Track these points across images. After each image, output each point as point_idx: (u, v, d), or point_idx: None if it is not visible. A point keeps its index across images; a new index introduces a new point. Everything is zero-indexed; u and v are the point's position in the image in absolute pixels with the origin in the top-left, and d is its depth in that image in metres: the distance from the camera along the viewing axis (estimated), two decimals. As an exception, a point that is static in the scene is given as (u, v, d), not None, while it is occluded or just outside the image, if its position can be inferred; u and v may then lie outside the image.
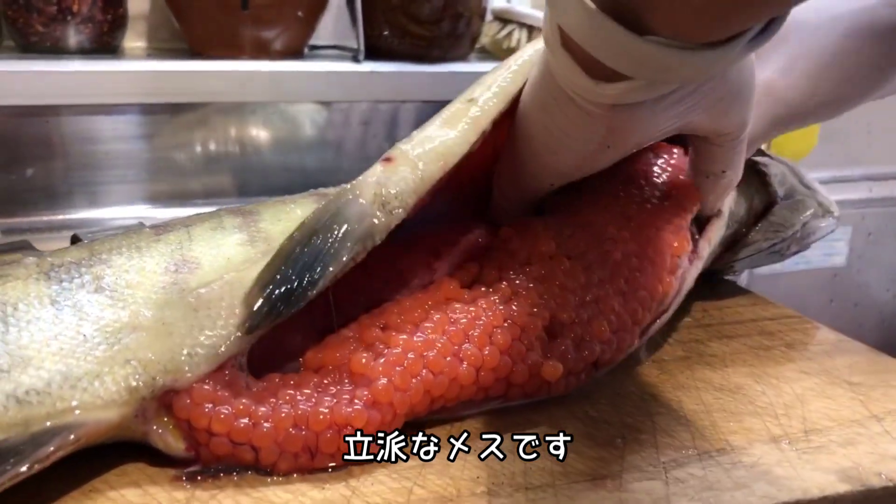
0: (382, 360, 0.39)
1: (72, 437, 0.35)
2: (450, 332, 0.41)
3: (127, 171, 0.78)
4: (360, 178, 0.42)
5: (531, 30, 0.90)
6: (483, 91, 0.46)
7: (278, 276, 0.39)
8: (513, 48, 0.90)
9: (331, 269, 0.40)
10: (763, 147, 0.63)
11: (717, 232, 0.54)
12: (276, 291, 0.39)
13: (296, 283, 0.39)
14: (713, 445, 0.41)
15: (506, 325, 0.42)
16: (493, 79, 0.47)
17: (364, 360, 0.39)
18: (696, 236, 0.52)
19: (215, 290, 0.39)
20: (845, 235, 1.01)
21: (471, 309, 0.42)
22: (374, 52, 0.84)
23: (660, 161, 0.53)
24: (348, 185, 0.42)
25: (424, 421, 0.41)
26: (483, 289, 0.44)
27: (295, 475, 0.37)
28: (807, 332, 0.55)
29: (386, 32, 0.85)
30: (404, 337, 0.40)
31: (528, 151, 0.46)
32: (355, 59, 0.83)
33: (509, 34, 0.90)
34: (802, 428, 0.43)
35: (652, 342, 0.51)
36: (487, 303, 0.43)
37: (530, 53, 0.47)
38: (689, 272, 0.50)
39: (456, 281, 0.45)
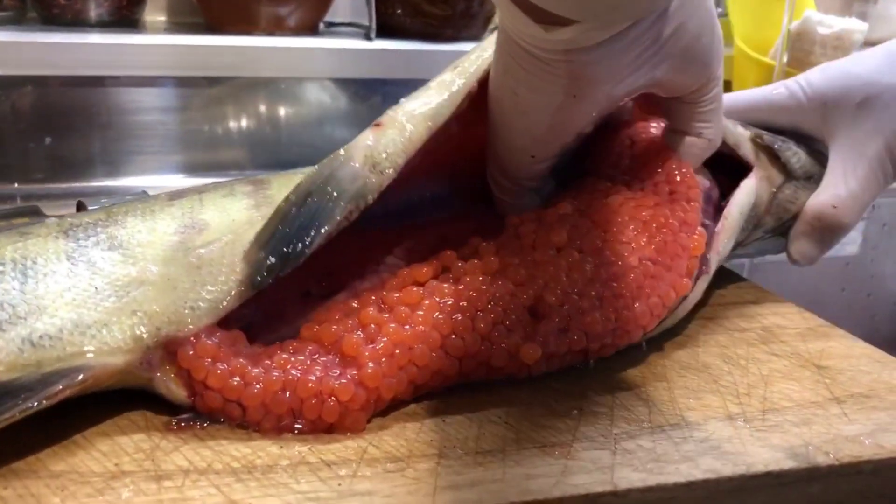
0: (372, 347, 0.41)
1: (79, 377, 0.37)
2: (438, 321, 0.42)
3: (142, 143, 0.81)
4: (352, 142, 0.45)
5: (545, 11, 0.91)
6: (467, 59, 0.49)
7: (276, 235, 0.41)
8: (526, 29, 0.91)
9: (325, 227, 0.42)
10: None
11: (725, 240, 0.53)
12: (275, 248, 0.41)
13: (293, 241, 0.41)
14: (668, 420, 0.42)
15: (489, 306, 0.43)
16: (478, 50, 0.49)
17: (356, 343, 0.41)
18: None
19: (215, 249, 0.42)
20: (859, 225, 1.00)
21: (459, 288, 0.43)
22: (388, 30, 0.86)
23: (651, 141, 0.52)
24: (340, 150, 0.44)
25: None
26: (475, 261, 0.45)
27: (254, 432, 0.39)
28: (787, 315, 0.56)
29: (399, 11, 0.86)
30: (394, 326, 0.41)
31: (501, 122, 0.46)
32: (367, 37, 0.85)
33: (523, 15, 0.90)
34: (761, 407, 0.44)
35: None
36: (474, 279, 0.44)
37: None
38: (699, 283, 0.50)
39: (454, 252, 0.46)
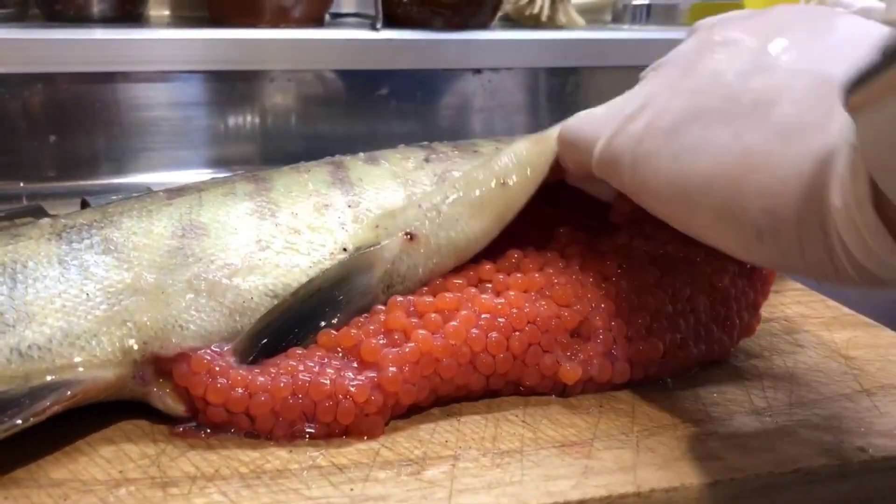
0: (396, 351, 0.39)
1: (69, 393, 0.36)
2: (472, 337, 0.40)
3: (148, 139, 0.79)
4: (382, 244, 0.42)
5: (554, -3, 0.89)
6: (513, 171, 0.45)
7: (268, 332, 0.40)
8: (535, 16, 0.89)
9: (310, 334, 0.41)
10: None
11: None
12: (258, 341, 0.40)
13: (279, 341, 0.40)
14: (692, 416, 0.40)
15: (527, 328, 0.41)
16: (527, 156, 0.46)
17: (375, 348, 0.39)
18: None
19: (220, 285, 0.40)
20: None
21: (498, 302, 0.41)
22: (394, 20, 0.84)
23: None
24: (370, 250, 0.42)
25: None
26: (518, 275, 0.43)
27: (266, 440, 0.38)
28: (810, 304, 0.54)
29: (405, 0, 0.84)
30: (423, 333, 0.40)
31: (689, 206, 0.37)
32: (374, 28, 0.83)
33: (532, 1, 0.89)
34: (788, 401, 0.42)
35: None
36: (518, 296, 0.42)
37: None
38: None
39: (493, 265, 0.44)
